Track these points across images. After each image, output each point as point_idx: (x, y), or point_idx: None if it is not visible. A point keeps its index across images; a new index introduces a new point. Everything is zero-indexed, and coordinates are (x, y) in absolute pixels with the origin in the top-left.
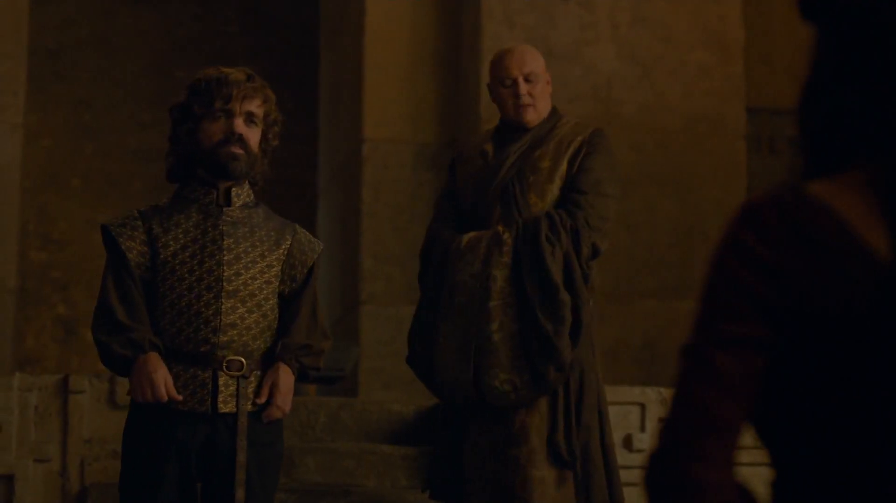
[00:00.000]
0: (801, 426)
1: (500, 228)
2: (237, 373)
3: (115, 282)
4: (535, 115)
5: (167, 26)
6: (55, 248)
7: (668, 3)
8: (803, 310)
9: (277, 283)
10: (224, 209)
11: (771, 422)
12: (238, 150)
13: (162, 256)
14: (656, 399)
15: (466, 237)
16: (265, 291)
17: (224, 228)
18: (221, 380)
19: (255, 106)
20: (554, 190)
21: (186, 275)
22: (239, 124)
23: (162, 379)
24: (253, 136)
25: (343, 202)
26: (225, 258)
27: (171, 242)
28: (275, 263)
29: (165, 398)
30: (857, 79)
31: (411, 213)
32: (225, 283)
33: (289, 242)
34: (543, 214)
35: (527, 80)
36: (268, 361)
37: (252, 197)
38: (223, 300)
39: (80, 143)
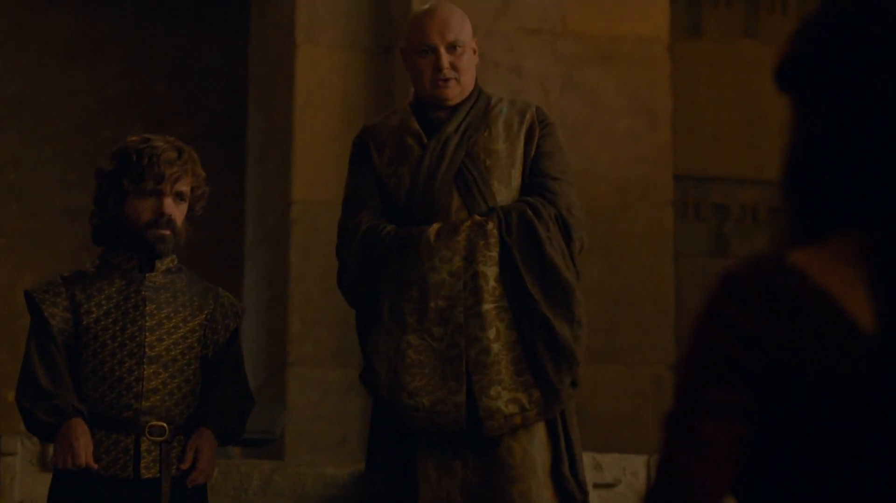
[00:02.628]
0: (785, 494)
1: (479, 217)
2: (160, 438)
3: (38, 348)
4: (457, 91)
5: (96, 85)
6: None
7: (598, 70)
8: (785, 379)
9: (200, 348)
10: (147, 275)
11: (754, 490)
12: (165, 232)
13: (84, 323)
14: (589, 464)
15: (433, 228)
16: (188, 356)
17: (146, 294)
18: (144, 446)
19: (184, 184)
20: (516, 175)
21: (109, 342)
22: (168, 204)
23: (83, 446)
24: (180, 212)
25: (271, 264)
26: (147, 324)
27: (94, 309)
28: (197, 328)
29: (84, 465)
30: (839, 149)
31: None
32: (147, 349)
33: (211, 307)
34: (521, 202)
35: (450, 49)
36: (191, 426)
37: (175, 262)
38: (145, 366)
39: (5, 202)
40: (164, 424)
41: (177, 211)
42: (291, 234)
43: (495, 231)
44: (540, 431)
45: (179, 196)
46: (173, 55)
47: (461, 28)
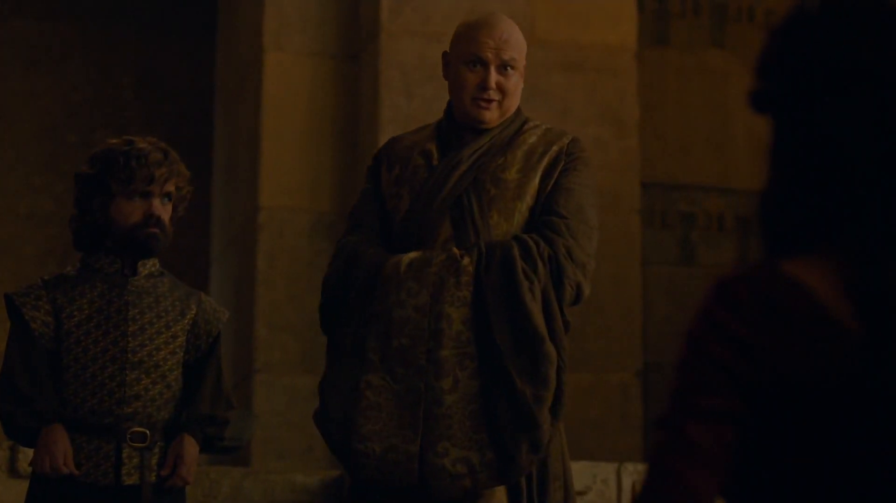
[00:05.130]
0: (776, 498)
1: (456, 251)
2: (141, 444)
3: (18, 352)
4: (496, 114)
5: (61, 90)
6: None
7: (565, 78)
8: (776, 384)
9: (182, 354)
10: (129, 279)
11: (744, 494)
12: (155, 230)
13: (66, 327)
14: None
15: (406, 258)
16: (170, 362)
17: (129, 299)
18: (125, 453)
19: (171, 185)
20: (523, 209)
21: (91, 346)
22: (157, 205)
23: (62, 451)
24: (167, 212)
25: (238, 270)
26: (130, 329)
27: (76, 313)
28: (180, 334)
29: (65, 471)
30: (813, 170)
31: (307, 281)
32: (130, 355)
33: (194, 311)
34: (513, 239)
35: (501, 69)
36: (171, 431)
37: (157, 266)
38: (128, 371)
39: None
40: (146, 430)
41: (164, 211)
42: (258, 240)
43: (470, 268)
44: (499, 495)
45: (167, 197)
46: (139, 61)
47: (518, 48)
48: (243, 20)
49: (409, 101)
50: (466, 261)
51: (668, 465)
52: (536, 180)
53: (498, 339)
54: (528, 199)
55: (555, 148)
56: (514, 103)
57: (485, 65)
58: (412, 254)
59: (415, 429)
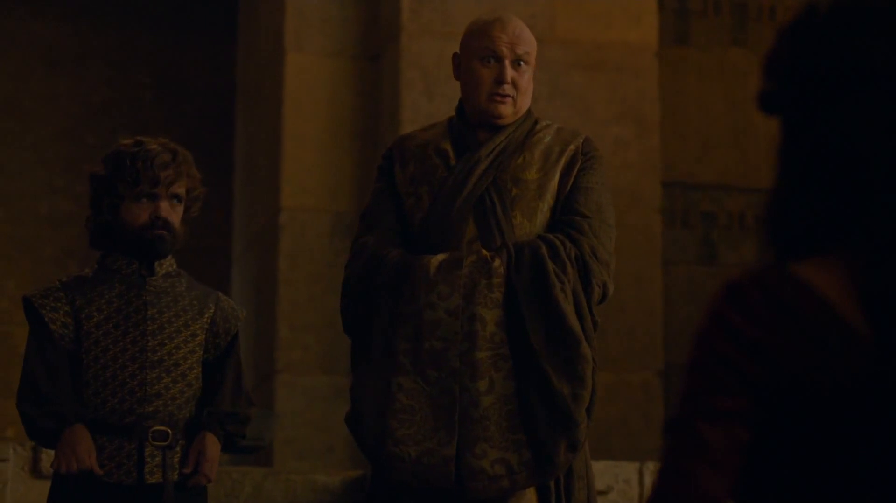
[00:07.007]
0: (784, 499)
1: (486, 253)
2: (163, 443)
3: (39, 353)
4: (511, 110)
5: (80, 91)
6: None
7: (586, 77)
8: (787, 386)
9: (202, 352)
10: (147, 279)
11: (754, 495)
12: (162, 232)
13: (86, 327)
14: None
15: (435, 259)
16: (189, 360)
17: (147, 298)
18: (147, 451)
19: (180, 187)
20: (544, 209)
21: (111, 346)
22: (164, 207)
23: (86, 450)
24: (176, 214)
25: (259, 270)
26: (149, 328)
27: (95, 313)
28: (199, 332)
29: (89, 466)
30: (821, 171)
31: (328, 281)
32: (149, 354)
33: (212, 310)
34: (539, 239)
35: (515, 64)
36: (192, 430)
37: (175, 266)
38: (148, 370)
39: None
40: (168, 429)
41: (173, 213)
42: (279, 240)
43: (501, 269)
44: (530, 495)
45: (175, 198)
46: (159, 62)
47: (530, 44)
48: (264, 21)
49: (430, 101)
50: (497, 262)
51: (680, 466)
52: (556, 179)
53: (533, 340)
54: (549, 199)
55: (571, 147)
56: (526, 102)
57: (499, 60)
58: (440, 256)
59: (450, 431)
